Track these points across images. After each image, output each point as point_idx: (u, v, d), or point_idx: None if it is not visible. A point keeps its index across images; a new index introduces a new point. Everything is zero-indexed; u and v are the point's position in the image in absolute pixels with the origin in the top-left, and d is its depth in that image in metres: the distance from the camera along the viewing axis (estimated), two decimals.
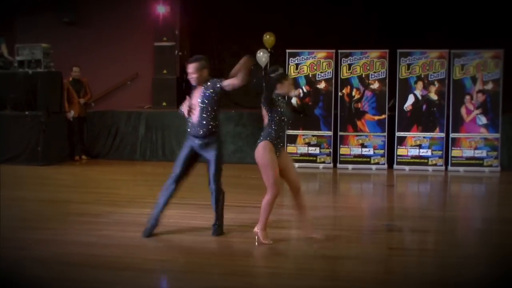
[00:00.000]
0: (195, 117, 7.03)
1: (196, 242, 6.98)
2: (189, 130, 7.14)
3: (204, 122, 7.01)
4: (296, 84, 12.97)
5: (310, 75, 12.93)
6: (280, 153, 6.84)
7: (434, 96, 12.59)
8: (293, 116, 7.00)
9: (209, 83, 7.12)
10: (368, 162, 12.76)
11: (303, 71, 12.94)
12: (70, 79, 13.62)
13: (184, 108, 7.11)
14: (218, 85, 7.08)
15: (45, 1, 15.18)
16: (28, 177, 11.55)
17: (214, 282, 5.80)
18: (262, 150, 6.79)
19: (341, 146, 12.86)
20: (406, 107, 12.69)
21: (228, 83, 7.06)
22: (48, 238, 7.11)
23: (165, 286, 5.96)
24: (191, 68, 7.05)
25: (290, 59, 13.05)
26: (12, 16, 15.67)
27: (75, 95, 13.51)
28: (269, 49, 13.74)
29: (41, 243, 6.89)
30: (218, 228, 7.25)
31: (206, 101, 7.02)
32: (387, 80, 12.73)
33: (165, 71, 15.02)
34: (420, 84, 12.63)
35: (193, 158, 7.21)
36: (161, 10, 15.07)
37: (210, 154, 7.09)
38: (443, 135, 12.58)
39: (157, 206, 7.23)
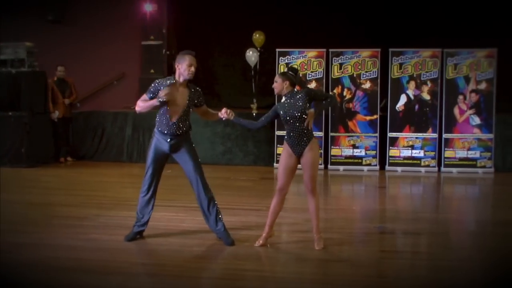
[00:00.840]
0: (176, 116, 6.94)
1: (185, 246, 6.97)
2: (163, 128, 6.97)
3: (186, 121, 7.00)
4: None
5: (301, 75, 12.93)
6: (300, 154, 6.83)
7: (426, 96, 12.64)
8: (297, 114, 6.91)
9: (197, 89, 7.09)
10: (360, 163, 12.79)
11: None
12: (55, 78, 13.57)
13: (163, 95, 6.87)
14: (202, 102, 7.16)
15: None
16: (12, 179, 11.49)
17: (203, 286, 5.80)
18: None
19: (332, 147, 12.89)
20: (398, 107, 12.74)
21: (205, 111, 7.24)
22: (32, 242, 7.08)
23: None
24: (196, 62, 6.94)
25: (280, 58, 13.07)
26: None
27: (60, 95, 13.47)
28: (258, 48, 13.74)
29: (26, 247, 6.86)
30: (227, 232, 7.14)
31: (191, 104, 7.01)
32: (379, 80, 12.77)
33: (152, 71, 15.01)
34: (412, 84, 12.67)
35: (164, 160, 7.18)
36: (148, 8, 15.05)
37: (184, 155, 7.04)
38: (436, 135, 12.63)
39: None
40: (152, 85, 7.07)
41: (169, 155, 7.09)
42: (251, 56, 13.76)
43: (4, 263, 6.23)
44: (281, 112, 6.87)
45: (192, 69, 6.85)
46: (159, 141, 7.03)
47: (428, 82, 12.62)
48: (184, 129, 6.99)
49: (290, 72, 6.99)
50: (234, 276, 6.03)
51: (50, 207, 9.01)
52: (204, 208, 7.08)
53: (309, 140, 6.81)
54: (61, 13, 15.52)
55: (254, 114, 13.31)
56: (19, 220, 8.13)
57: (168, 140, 6.95)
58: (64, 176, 12.31)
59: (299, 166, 6.90)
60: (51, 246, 6.93)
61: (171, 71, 15.63)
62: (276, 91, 7.00)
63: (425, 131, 12.65)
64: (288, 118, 6.81)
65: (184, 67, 6.84)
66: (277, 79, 6.96)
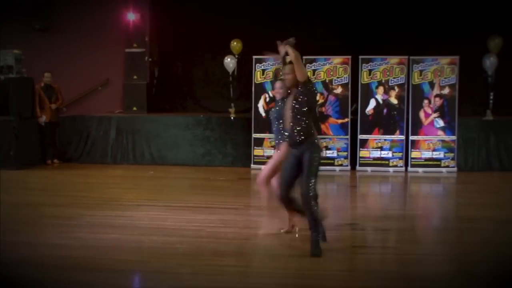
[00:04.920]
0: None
1: (167, 243, 6.93)
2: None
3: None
4: (262, 89, 13.00)
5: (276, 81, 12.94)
6: None
7: (394, 100, 12.70)
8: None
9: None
10: (332, 164, 12.80)
11: (269, 76, 12.95)
12: (42, 84, 13.44)
13: None
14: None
15: (17, 8, 14.95)
16: (0, 181, 11.35)
17: (185, 282, 5.77)
18: None
19: None
20: (368, 111, 12.78)
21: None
22: (19, 241, 7.00)
23: (137, 286, 5.92)
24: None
25: (257, 65, 13.06)
26: None
27: (47, 100, 13.34)
28: (236, 55, 13.72)
29: (14, 245, 6.77)
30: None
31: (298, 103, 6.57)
32: (349, 85, 12.80)
33: (135, 77, 14.91)
34: (381, 89, 12.73)
35: None
36: (131, 17, 14.96)
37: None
38: (403, 137, 12.70)
39: None
40: None
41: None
42: (229, 62, 13.74)
43: None
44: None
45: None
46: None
47: (396, 87, 12.69)
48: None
49: None
50: (214, 271, 6.01)
51: (37, 208, 8.91)
52: None
53: None
54: (47, 22, 15.34)
55: (232, 118, 13.31)
56: (7, 220, 8.00)
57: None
58: (51, 178, 12.18)
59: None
60: (38, 244, 6.86)
61: (153, 77, 15.61)
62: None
63: (393, 133, 12.72)
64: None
65: None
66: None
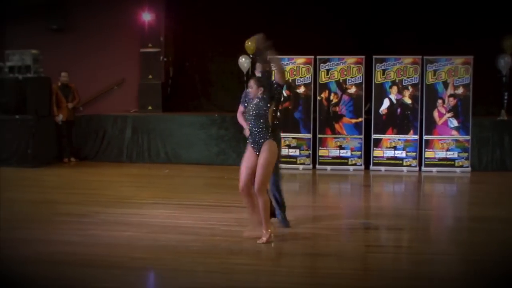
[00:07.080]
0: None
1: (181, 241, 6.94)
2: None
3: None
4: None
5: (290, 80, 12.91)
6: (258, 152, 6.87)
7: (408, 100, 12.63)
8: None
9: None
10: (346, 163, 12.76)
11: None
12: (59, 84, 13.52)
13: None
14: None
15: (34, 8, 15.05)
16: (18, 179, 11.42)
17: (199, 280, 5.77)
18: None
19: (320, 148, 12.86)
20: (381, 111, 12.72)
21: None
22: (35, 237, 7.04)
23: (151, 283, 5.92)
24: None
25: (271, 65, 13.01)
26: (2, 23, 15.51)
27: (64, 99, 13.42)
28: (251, 55, 13.72)
29: (29, 242, 6.81)
30: None
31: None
32: (363, 85, 12.75)
33: (150, 76, 14.95)
34: (394, 89, 12.67)
35: None
36: (147, 17, 14.99)
37: None
38: (416, 137, 12.63)
39: None
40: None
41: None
42: (244, 62, 13.75)
43: (5, 259, 6.18)
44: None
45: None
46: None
47: (409, 87, 12.62)
48: None
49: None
50: (229, 270, 6.01)
51: (52, 205, 8.95)
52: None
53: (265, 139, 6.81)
54: (64, 22, 15.44)
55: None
56: (22, 217, 8.07)
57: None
58: (67, 176, 12.24)
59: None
60: (52, 241, 6.90)
61: (168, 77, 15.64)
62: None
63: (406, 133, 12.65)
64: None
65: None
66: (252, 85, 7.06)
